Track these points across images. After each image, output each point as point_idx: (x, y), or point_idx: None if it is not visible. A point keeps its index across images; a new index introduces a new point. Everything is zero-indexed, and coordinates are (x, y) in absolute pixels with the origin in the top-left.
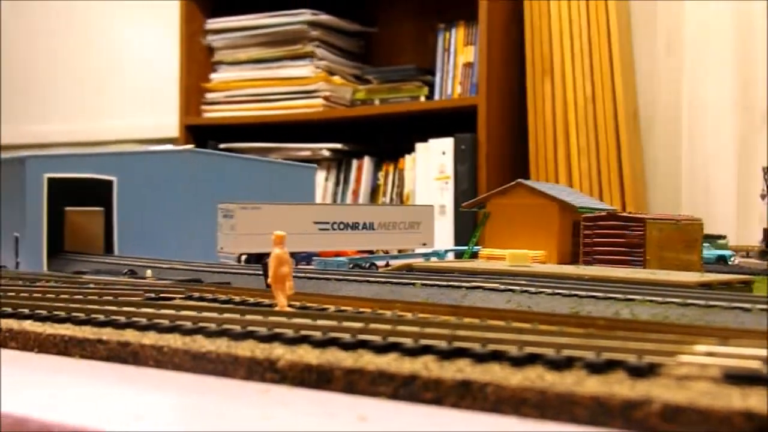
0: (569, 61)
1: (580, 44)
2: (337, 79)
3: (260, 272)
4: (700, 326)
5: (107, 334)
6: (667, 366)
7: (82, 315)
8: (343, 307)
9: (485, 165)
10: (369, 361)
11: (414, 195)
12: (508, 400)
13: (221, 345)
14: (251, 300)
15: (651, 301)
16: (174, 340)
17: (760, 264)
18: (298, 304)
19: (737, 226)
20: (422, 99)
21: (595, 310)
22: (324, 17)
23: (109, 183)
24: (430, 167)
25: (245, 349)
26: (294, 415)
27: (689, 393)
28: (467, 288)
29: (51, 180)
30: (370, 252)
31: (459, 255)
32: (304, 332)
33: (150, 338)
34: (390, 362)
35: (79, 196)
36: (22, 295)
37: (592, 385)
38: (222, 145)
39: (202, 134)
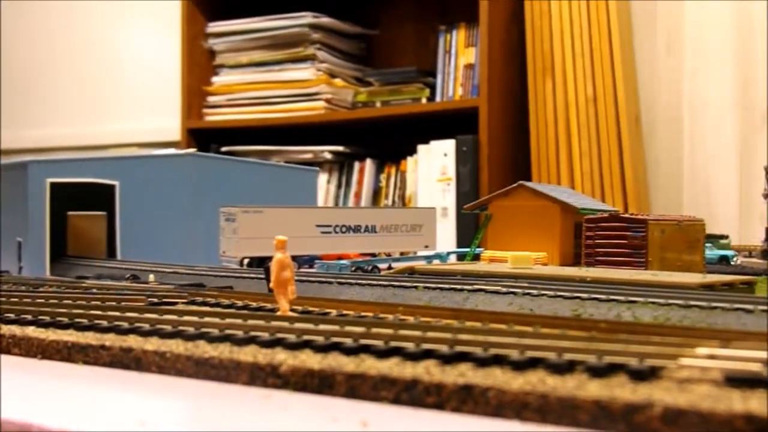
0: (570, 61)
1: (581, 45)
2: (338, 81)
3: (263, 276)
4: (702, 328)
5: (110, 340)
6: (669, 369)
7: (85, 321)
8: (345, 311)
9: (487, 166)
10: (371, 365)
11: (416, 197)
12: (510, 405)
13: (224, 350)
14: (254, 304)
15: (653, 303)
16: (177, 346)
17: (762, 263)
18: (300, 308)
19: (739, 226)
20: (423, 101)
21: (597, 313)
22: (325, 20)
23: (112, 187)
24: (432, 169)
25: (248, 354)
26: (296, 421)
27: (690, 396)
28: (469, 291)
29: (53, 185)
30: (373, 255)
31: (461, 257)
32: (306, 337)
33: (153, 344)
34: (392, 367)
35: (81, 201)
36: (25, 300)
37: (594, 389)
38: (224, 149)
39: (203, 138)
